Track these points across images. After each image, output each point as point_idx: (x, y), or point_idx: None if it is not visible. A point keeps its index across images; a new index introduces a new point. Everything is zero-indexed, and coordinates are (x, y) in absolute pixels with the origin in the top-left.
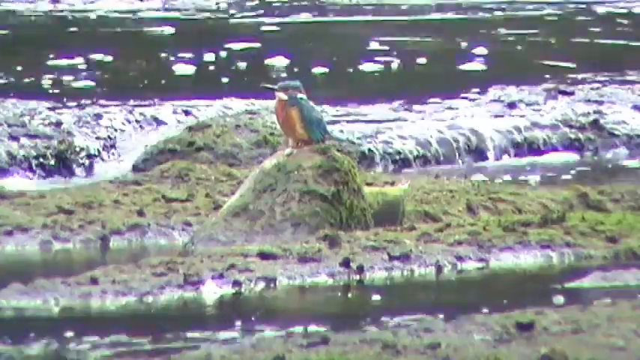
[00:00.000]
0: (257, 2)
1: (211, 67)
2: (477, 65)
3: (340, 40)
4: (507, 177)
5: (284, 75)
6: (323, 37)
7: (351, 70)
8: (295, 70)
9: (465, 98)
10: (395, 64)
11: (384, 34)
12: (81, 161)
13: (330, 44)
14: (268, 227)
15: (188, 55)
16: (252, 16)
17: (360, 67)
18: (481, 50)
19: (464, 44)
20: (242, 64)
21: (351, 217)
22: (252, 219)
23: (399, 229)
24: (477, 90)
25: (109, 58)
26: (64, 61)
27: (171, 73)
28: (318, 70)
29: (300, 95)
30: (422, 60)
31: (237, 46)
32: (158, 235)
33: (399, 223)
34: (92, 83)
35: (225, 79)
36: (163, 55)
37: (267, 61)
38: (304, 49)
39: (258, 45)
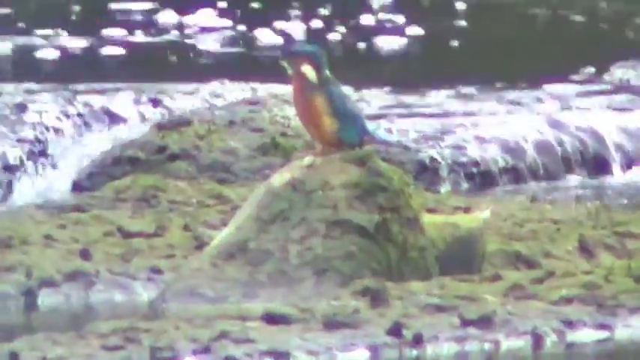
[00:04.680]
0: None
1: (192, 36)
2: (590, 34)
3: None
4: None
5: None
6: None
7: (396, 41)
8: (317, 40)
9: (577, 82)
10: (469, 30)
11: None
12: None
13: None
14: (278, 276)
15: (161, 21)
16: None
17: (415, 36)
18: (598, 13)
19: (576, 5)
20: (236, 32)
21: (404, 260)
22: (254, 263)
23: (477, 279)
24: (594, 70)
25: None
26: None
27: (132, 46)
28: (349, 43)
29: (305, 67)
30: (509, 25)
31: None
32: (111, 288)
33: (476, 270)
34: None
35: (211, 54)
36: (121, 18)
37: (277, 24)
38: (329, 10)
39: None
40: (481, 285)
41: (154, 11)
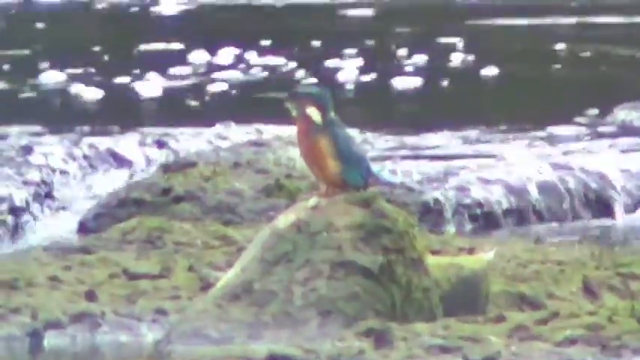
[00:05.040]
0: None
1: (196, 80)
2: (593, 76)
3: (385, 38)
4: None
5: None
6: (360, 35)
7: (405, 82)
8: (320, 80)
9: (580, 124)
10: (473, 72)
11: (457, 27)
12: (0, 218)
13: (371, 44)
14: (283, 317)
15: (165, 65)
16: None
17: (420, 77)
18: (600, 55)
19: (579, 48)
20: (241, 76)
21: (408, 301)
22: (258, 304)
23: (481, 320)
24: (597, 112)
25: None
26: None
27: (138, 90)
28: (354, 81)
29: (310, 109)
30: (512, 68)
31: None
32: (117, 330)
33: (480, 311)
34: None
35: (217, 96)
36: (142, 61)
37: (282, 71)
38: (335, 51)
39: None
40: (485, 326)
41: (180, 53)
